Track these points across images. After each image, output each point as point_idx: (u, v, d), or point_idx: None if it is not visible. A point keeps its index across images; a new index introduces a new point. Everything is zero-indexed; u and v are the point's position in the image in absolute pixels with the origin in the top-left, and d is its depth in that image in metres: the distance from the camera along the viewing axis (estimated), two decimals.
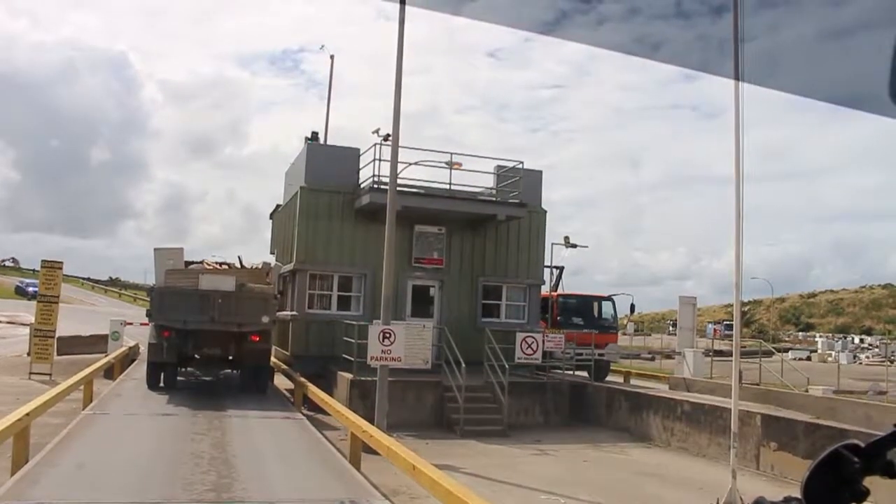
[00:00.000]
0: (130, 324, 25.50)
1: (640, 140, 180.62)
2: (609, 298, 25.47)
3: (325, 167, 20.49)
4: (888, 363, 35.61)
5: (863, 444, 1.27)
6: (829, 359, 47.08)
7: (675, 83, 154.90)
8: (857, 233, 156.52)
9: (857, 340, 67.79)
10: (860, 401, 18.79)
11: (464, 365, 16.17)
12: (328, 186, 20.23)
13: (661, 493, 12.04)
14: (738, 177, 10.05)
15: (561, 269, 26.39)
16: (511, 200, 20.57)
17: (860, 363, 45.61)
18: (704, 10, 2.21)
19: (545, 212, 22.27)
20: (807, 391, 21.30)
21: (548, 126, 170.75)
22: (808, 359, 48.20)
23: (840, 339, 67.67)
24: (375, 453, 10.63)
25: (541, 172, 22.45)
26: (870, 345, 62.40)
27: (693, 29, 2.11)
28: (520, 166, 20.86)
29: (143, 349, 20.47)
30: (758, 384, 21.50)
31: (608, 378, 22.88)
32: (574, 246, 26.54)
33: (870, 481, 1.30)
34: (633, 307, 29.75)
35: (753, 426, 13.79)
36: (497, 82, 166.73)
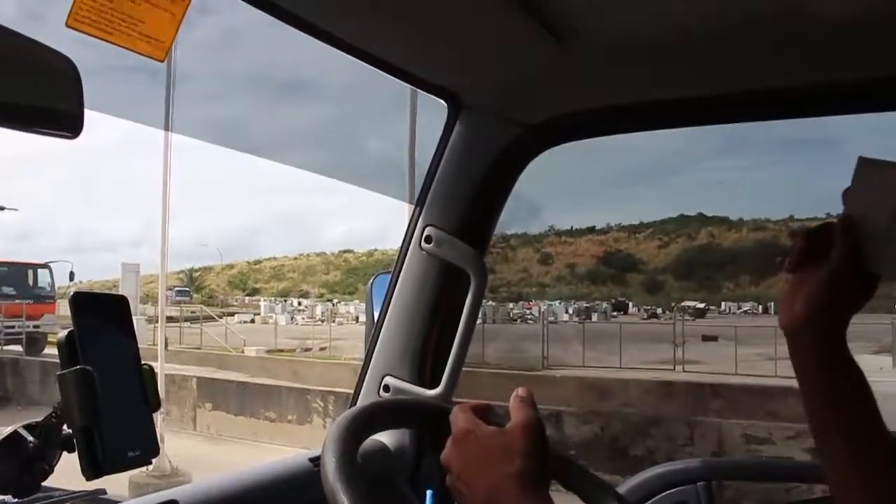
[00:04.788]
0: None
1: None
2: (46, 266, 23.93)
3: None
4: (318, 323, 40.16)
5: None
6: (270, 320, 50.85)
7: None
8: (299, 205, 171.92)
9: (295, 303, 74.55)
10: (288, 358, 21.01)
11: None
12: None
13: None
14: (166, 148, 10.39)
15: None
16: None
17: (297, 324, 50.17)
18: None
19: None
20: (242, 352, 22.89)
21: None
22: (252, 321, 51.39)
23: (280, 301, 73.74)
24: None
25: None
26: (306, 306, 69.18)
27: None
28: None
29: None
30: (199, 348, 22.43)
31: (46, 351, 21.33)
32: (1, 209, 24.45)
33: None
34: (72, 275, 28.29)
35: (189, 389, 14.41)
36: None
